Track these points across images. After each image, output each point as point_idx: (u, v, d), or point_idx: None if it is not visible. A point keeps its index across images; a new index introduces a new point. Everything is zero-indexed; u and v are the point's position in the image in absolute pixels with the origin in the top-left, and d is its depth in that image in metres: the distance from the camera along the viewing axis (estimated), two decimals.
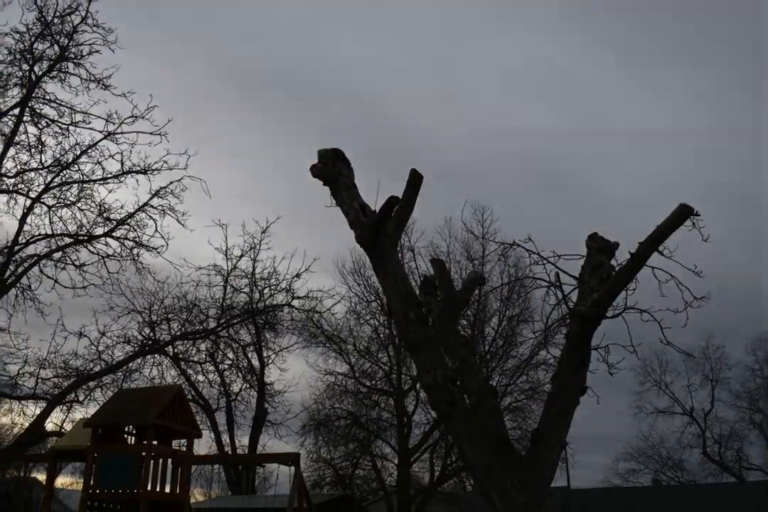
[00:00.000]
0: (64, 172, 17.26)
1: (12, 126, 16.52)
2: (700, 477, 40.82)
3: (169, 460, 15.29)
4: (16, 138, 16.61)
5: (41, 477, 27.37)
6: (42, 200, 17.08)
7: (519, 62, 79.54)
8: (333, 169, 8.02)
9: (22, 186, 16.96)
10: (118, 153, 17.28)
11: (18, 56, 16.31)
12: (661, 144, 75.17)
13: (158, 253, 17.74)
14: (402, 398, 29.12)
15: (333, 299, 24.77)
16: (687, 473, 41.60)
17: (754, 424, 40.41)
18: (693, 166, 70.19)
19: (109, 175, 17.40)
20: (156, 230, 17.59)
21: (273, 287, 23.76)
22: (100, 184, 17.47)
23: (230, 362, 25.66)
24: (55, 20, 16.32)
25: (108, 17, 16.24)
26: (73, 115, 16.89)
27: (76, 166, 17.25)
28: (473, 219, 28.84)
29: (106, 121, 16.99)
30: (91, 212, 17.50)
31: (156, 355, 20.27)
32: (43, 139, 16.95)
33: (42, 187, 17.07)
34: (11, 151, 16.72)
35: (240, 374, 26.51)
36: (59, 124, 16.90)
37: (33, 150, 16.92)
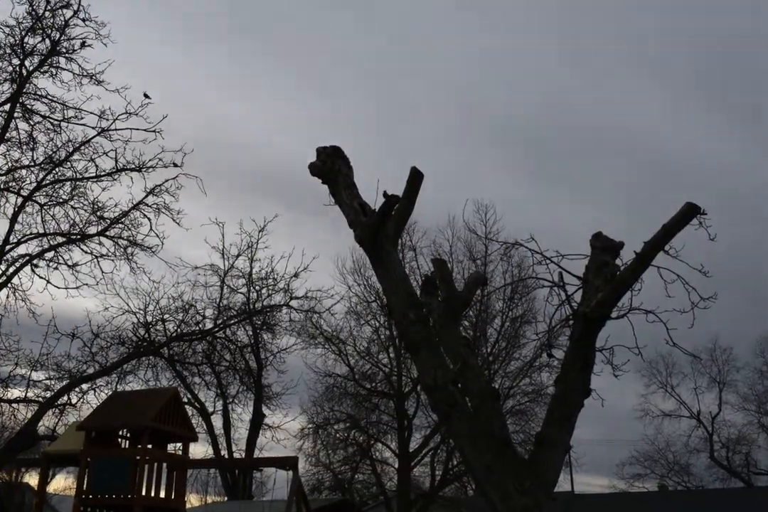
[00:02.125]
0: (57, 169, 17.10)
1: (2, 122, 16.34)
2: (707, 481, 40.60)
3: (164, 464, 15.12)
4: (7, 134, 16.43)
5: (33, 481, 27.36)
6: (34, 198, 16.91)
7: None
8: (332, 167, 7.95)
9: (14, 184, 16.82)
10: (111, 150, 17.14)
11: (8, 51, 16.20)
12: None
13: (153, 252, 17.69)
14: (402, 401, 28.93)
15: (332, 299, 24.60)
16: (694, 478, 41.36)
17: (763, 428, 40.08)
18: None
19: (103, 173, 17.23)
20: (151, 229, 17.49)
21: (271, 287, 23.71)
22: (94, 181, 17.32)
23: (227, 364, 25.37)
24: (47, 14, 16.20)
25: None
26: (65, 111, 16.78)
27: (68, 163, 17.12)
28: (476, 218, 28.75)
29: (100, 117, 16.87)
30: (85, 210, 17.39)
31: (151, 357, 20.07)
32: (34, 136, 16.83)
33: (34, 184, 16.93)
34: (2, 148, 16.59)
35: (237, 376, 26.28)
36: (51, 120, 16.78)
37: (24, 147, 16.80)
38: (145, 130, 16.83)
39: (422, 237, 29.46)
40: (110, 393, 17.76)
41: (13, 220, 16.55)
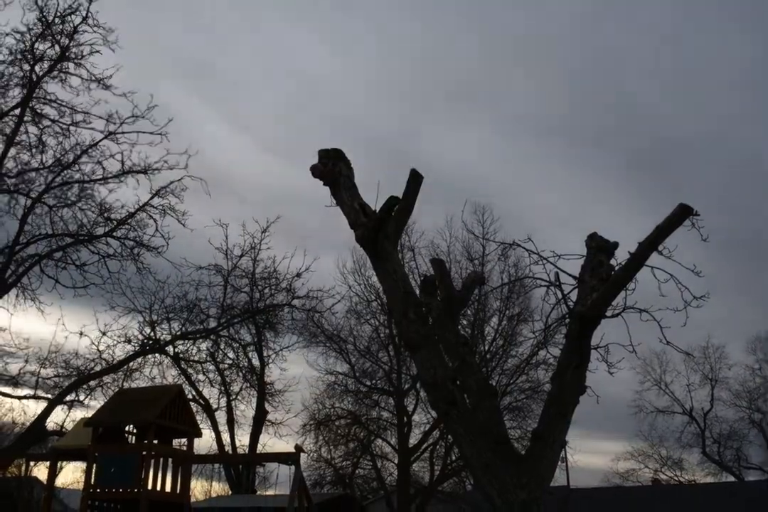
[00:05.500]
0: (65, 171, 17.23)
1: (13, 126, 16.48)
2: (699, 476, 40.89)
3: (170, 459, 15.30)
4: (17, 138, 16.58)
5: (42, 476, 27.50)
6: (43, 200, 17.03)
7: None
8: (333, 169, 8.04)
9: (23, 186, 16.93)
10: (118, 153, 17.31)
11: (19, 56, 16.33)
12: None
13: (159, 252, 17.72)
14: (402, 397, 29.08)
15: (333, 299, 24.68)
16: (686, 472, 41.67)
17: (754, 423, 40.34)
18: None
19: (110, 175, 17.38)
20: (156, 230, 17.60)
21: (273, 287, 23.80)
22: (101, 183, 17.45)
23: (230, 361, 25.61)
24: (56, 20, 16.32)
25: None
26: (73, 115, 16.90)
27: (76, 165, 17.25)
28: (474, 219, 28.93)
29: (107, 121, 17.02)
30: (92, 212, 17.52)
31: (156, 355, 20.29)
32: (43, 139, 16.94)
33: (43, 186, 17.05)
34: (12, 151, 16.72)
35: (240, 373, 26.47)
36: (60, 124, 16.88)
37: (34, 150, 16.92)
38: (151, 133, 17.03)
39: (420, 237, 29.66)
40: (117, 390, 18.02)
41: (23, 221, 16.68)
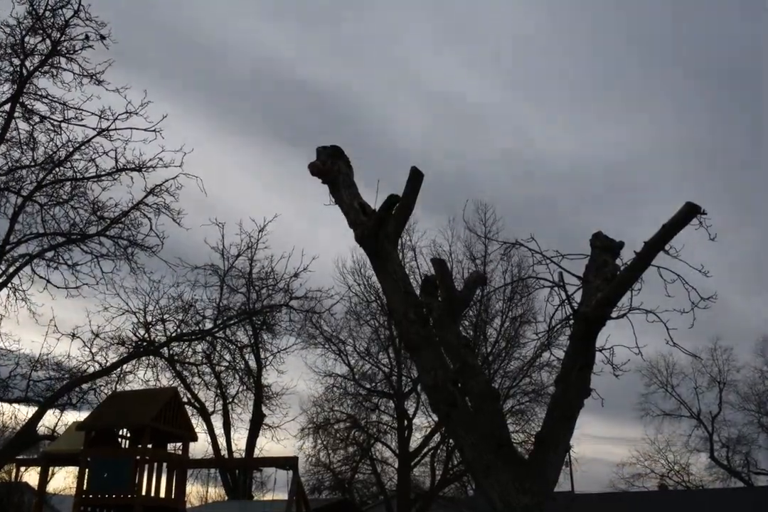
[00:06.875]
0: (57, 169, 16.96)
1: (2, 122, 16.24)
2: (707, 481, 40.62)
3: (164, 464, 15.08)
4: (7, 134, 16.33)
5: (33, 481, 27.34)
6: (34, 198, 16.77)
7: None
8: (332, 167, 7.95)
9: (14, 183, 16.68)
10: (111, 150, 16.97)
11: (8, 50, 16.07)
12: None
13: (153, 252, 17.49)
14: (402, 400, 28.91)
15: (332, 299, 24.49)
16: (694, 477, 41.37)
17: (763, 428, 40.03)
18: None
19: (103, 173, 17.06)
20: (151, 229, 17.29)
21: (270, 287, 23.62)
22: (94, 181, 17.15)
23: (227, 364, 25.37)
24: (47, 13, 16.04)
25: None
26: (65, 112, 16.62)
27: (68, 163, 16.95)
28: (476, 218, 28.76)
29: (100, 117, 16.69)
30: (85, 210, 17.22)
31: (151, 357, 19.98)
32: (34, 136, 16.69)
33: (34, 184, 16.78)
34: (2, 148, 16.45)
35: (237, 376, 26.31)
36: (51, 121, 16.64)
37: (25, 147, 16.67)
38: (145, 129, 16.67)
39: (422, 236, 29.49)
40: (110, 393, 17.75)
41: (13, 219, 16.42)
